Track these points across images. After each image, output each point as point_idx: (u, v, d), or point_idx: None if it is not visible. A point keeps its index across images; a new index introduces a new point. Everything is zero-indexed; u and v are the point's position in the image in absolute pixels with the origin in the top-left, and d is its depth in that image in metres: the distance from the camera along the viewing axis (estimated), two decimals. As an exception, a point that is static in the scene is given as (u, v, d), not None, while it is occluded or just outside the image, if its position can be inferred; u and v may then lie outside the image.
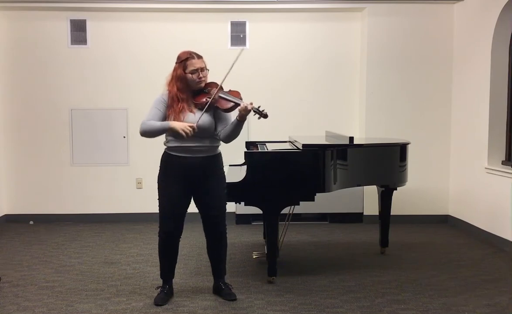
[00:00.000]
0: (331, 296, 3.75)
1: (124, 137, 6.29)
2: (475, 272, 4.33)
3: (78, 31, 6.17)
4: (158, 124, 3.46)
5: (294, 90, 6.31)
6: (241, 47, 3.56)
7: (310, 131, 6.18)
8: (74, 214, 6.30)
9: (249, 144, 5.06)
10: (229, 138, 3.52)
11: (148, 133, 3.49)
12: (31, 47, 6.18)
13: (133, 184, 6.35)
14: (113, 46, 6.22)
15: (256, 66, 6.25)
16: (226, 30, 6.24)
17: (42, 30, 6.16)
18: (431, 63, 6.10)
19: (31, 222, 6.26)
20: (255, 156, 4.04)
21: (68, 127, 6.25)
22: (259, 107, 3.47)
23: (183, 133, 3.35)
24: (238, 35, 6.24)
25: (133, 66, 6.24)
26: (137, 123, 6.12)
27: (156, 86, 6.02)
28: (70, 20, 6.15)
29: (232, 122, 3.48)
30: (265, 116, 3.46)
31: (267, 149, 4.42)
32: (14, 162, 6.28)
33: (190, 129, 3.36)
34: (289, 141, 4.95)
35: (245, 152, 4.10)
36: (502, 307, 3.56)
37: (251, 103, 3.42)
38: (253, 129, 6.19)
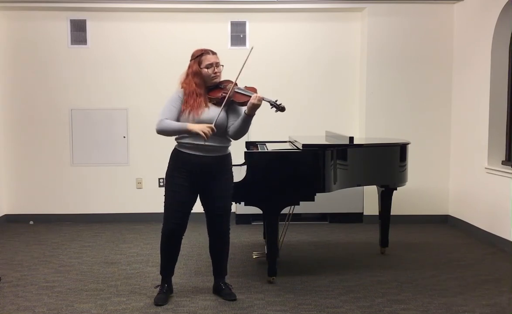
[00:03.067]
0: (331, 296, 3.76)
1: (124, 137, 6.29)
2: (475, 272, 4.33)
3: (78, 31, 6.17)
4: (176, 124, 3.43)
5: (294, 90, 6.31)
6: (251, 47, 3.57)
7: (310, 131, 6.18)
8: (74, 214, 6.30)
9: (249, 144, 5.06)
10: (237, 134, 3.51)
11: (165, 132, 3.46)
12: (31, 47, 6.18)
13: (133, 184, 6.35)
14: (113, 46, 6.22)
15: (256, 66, 6.22)
16: (226, 30, 6.24)
17: (42, 30, 6.16)
18: (431, 63, 6.10)
19: (31, 222, 6.26)
20: (255, 156, 4.04)
21: (68, 127, 6.25)
22: (276, 100, 3.48)
23: (203, 134, 3.33)
24: (238, 35, 6.24)
25: (133, 66, 6.24)
26: (137, 123, 6.24)
27: (156, 86, 6.12)
28: (70, 20, 6.16)
29: (241, 117, 3.46)
30: (282, 109, 3.46)
31: (267, 149, 4.42)
32: (14, 162, 6.28)
33: (209, 130, 3.34)
34: (289, 141, 4.95)
35: (245, 152, 4.10)
36: (502, 307, 3.56)
37: (262, 97, 3.41)
38: (253, 129, 6.15)
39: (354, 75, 6.34)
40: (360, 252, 4.95)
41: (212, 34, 6.18)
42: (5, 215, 6.30)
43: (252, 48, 3.54)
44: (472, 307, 3.56)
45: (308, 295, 3.78)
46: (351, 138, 4.20)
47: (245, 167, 4.14)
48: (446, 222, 6.22)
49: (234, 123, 3.51)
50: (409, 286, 3.98)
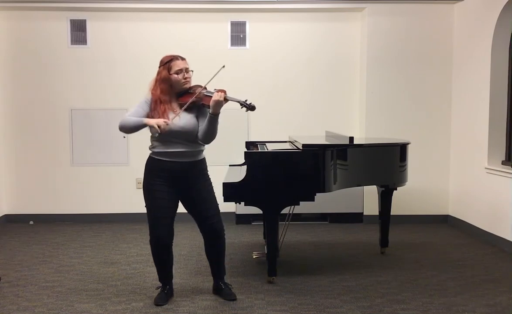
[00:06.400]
0: (331, 296, 3.76)
1: (124, 137, 6.29)
2: (475, 272, 4.33)
3: (78, 31, 6.17)
4: (134, 119, 3.45)
5: (294, 90, 6.31)
6: (222, 65, 3.52)
7: (310, 131, 6.18)
8: (74, 214, 6.30)
9: (249, 144, 5.06)
10: (206, 136, 3.45)
11: (124, 128, 3.48)
12: (31, 47, 6.18)
13: (133, 184, 6.35)
14: (113, 46, 6.22)
15: (256, 66, 6.25)
16: (226, 30, 6.24)
17: (42, 30, 6.16)
18: (431, 63, 6.10)
19: (31, 222, 6.26)
20: (255, 156, 4.04)
21: (68, 127, 6.25)
22: (246, 100, 3.43)
23: (156, 126, 3.32)
24: (238, 35, 6.24)
25: (133, 66, 6.23)
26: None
27: (156, 86, 6.10)
28: (70, 20, 6.16)
29: (207, 117, 3.42)
30: (252, 108, 3.40)
31: (267, 149, 4.42)
32: (14, 162, 6.28)
33: (163, 122, 3.33)
34: (289, 141, 4.95)
35: (245, 152, 4.10)
36: (502, 307, 3.56)
37: (225, 95, 3.36)
38: (253, 129, 6.18)
39: (354, 75, 6.34)
40: (360, 252, 4.95)
41: (212, 34, 6.18)
42: (5, 215, 6.30)
43: (223, 66, 3.48)
44: (472, 307, 3.56)
45: (308, 295, 3.78)
46: (351, 138, 4.19)
47: (245, 167, 4.14)
48: (446, 222, 6.22)
49: (202, 126, 3.48)
50: (409, 286, 3.98)
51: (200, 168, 3.58)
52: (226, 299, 3.65)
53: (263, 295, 3.76)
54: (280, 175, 3.95)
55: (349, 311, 3.49)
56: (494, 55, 5.25)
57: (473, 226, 5.63)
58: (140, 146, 6.28)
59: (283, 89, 6.29)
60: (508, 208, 4.94)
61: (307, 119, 6.33)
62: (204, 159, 3.64)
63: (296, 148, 4.26)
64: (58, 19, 6.15)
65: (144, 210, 6.14)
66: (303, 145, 4.00)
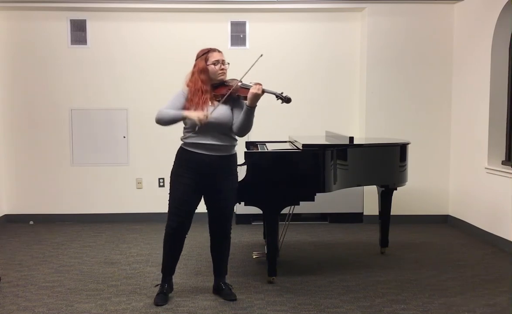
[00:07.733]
0: (331, 296, 3.76)
1: (124, 137, 6.29)
2: (475, 272, 4.33)
3: (78, 31, 6.17)
4: (173, 112, 3.46)
5: (294, 90, 6.28)
6: (260, 54, 3.58)
7: (310, 131, 6.18)
8: (74, 214, 6.30)
9: (249, 144, 5.05)
10: (241, 129, 3.50)
11: (163, 121, 3.47)
12: (31, 47, 6.17)
13: (133, 184, 6.35)
14: (113, 46, 6.22)
15: (256, 66, 6.21)
16: (226, 30, 6.24)
17: (42, 30, 6.16)
18: (431, 63, 6.10)
19: (31, 222, 6.26)
20: (255, 156, 4.04)
21: (68, 127, 6.25)
22: (281, 93, 3.50)
23: (197, 121, 3.35)
24: (238, 35, 6.24)
25: (133, 66, 6.24)
26: (137, 123, 6.24)
27: (156, 86, 6.13)
28: (70, 20, 6.15)
29: (243, 109, 3.46)
30: (288, 100, 3.49)
31: (267, 149, 4.42)
32: (14, 162, 6.28)
33: (204, 116, 3.35)
34: (289, 141, 4.95)
35: (245, 152, 4.10)
36: (502, 307, 3.56)
37: (263, 88, 3.43)
38: (253, 129, 6.15)
39: (354, 75, 6.34)
40: (360, 252, 4.95)
41: (212, 34, 6.18)
42: (5, 215, 6.30)
43: (261, 55, 3.55)
44: (472, 307, 3.56)
45: (308, 295, 3.78)
46: (351, 138, 4.20)
47: (245, 167, 4.14)
48: (446, 222, 6.22)
49: (237, 118, 3.51)
50: (409, 286, 3.98)
51: (229, 163, 3.59)
52: (226, 299, 3.65)
53: (263, 295, 3.76)
54: (280, 175, 3.95)
55: (349, 311, 3.49)
56: (494, 55, 5.26)
57: (473, 226, 5.63)
58: (140, 146, 6.30)
59: (283, 89, 6.24)
60: (508, 208, 4.94)
61: (307, 119, 6.33)
62: (235, 155, 3.66)
63: (296, 148, 4.26)
64: (58, 19, 6.15)
65: (144, 210, 6.26)
66: (303, 145, 4.00)
